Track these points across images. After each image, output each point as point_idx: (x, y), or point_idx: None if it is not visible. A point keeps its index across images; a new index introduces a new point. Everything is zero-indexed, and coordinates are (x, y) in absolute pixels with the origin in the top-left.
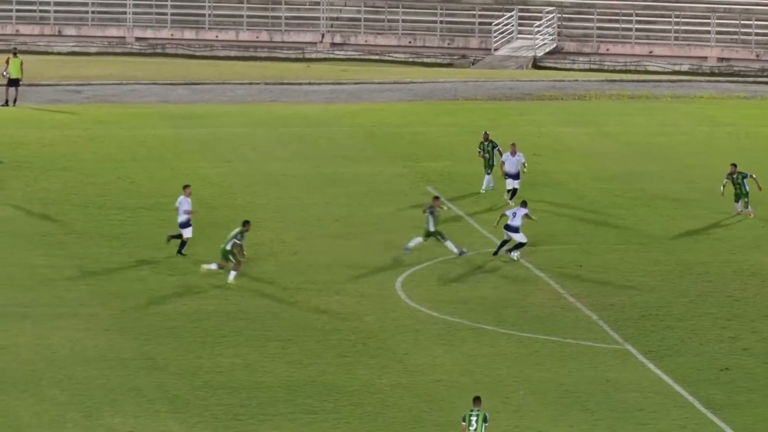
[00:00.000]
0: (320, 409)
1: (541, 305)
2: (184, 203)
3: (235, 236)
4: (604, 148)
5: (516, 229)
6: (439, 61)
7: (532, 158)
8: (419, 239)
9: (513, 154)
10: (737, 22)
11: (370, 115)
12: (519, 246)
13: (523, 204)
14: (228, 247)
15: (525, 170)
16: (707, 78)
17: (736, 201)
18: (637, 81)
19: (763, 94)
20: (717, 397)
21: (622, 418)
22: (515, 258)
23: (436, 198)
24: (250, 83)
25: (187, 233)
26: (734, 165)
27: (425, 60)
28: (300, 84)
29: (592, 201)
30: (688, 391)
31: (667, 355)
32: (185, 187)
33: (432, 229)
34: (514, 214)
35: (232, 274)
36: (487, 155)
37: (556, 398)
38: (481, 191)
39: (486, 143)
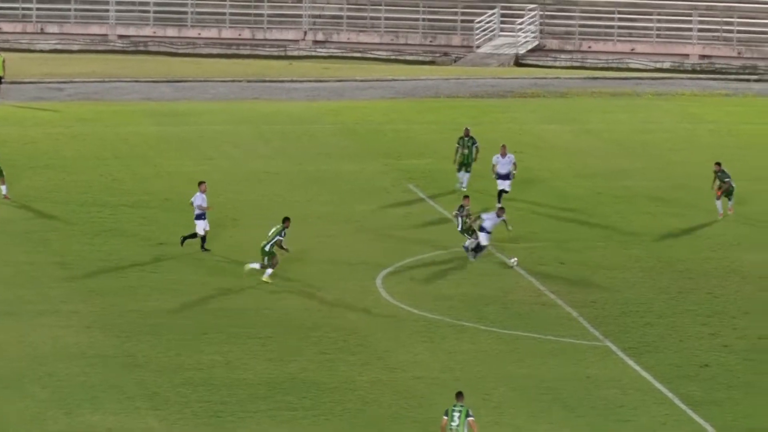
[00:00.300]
0: (300, 406)
1: (521, 302)
2: (198, 199)
3: (277, 234)
4: (586, 145)
5: (483, 229)
6: (421, 58)
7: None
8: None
9: (503, 155)
10: (719, 19)
11: (352, 112)
12: (479, 249)
13: (499, 212)
14: (267, 248)
15: (515, 171)
16: (689, 75)
17: (718, 199)
18: (619, 78)
19: (744, 91)
20: (697, 393)
21: (602, 415)
22: (512, 264)
23: (466, 197)
24: (233, 81)
25: (199, 228)
26: (719, 164)
27: (407, 57)
28: (282, 81)
29: (574, 198)
30: (667, 388)
31: (647, 351)
32: (200, 183)
33: (459, 229)
34: (487, 220)
35: (268, 272)
36: (466, 151)
37: (537, 395)
38: (462, 189)
39: (466, 139)
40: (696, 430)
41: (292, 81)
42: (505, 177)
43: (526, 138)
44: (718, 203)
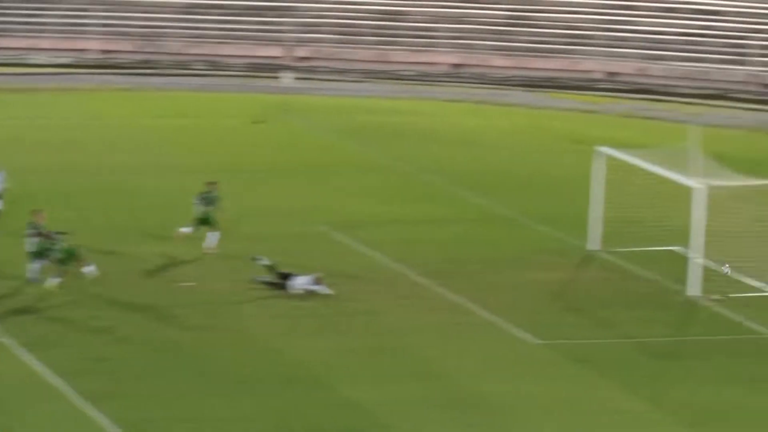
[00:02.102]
0: None
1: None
2: None
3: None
4: None
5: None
6: None
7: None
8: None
9: None
10: (119, 14)
11: None
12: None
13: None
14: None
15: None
16: (90, 70)
17: (199, 225)
18: (19, 74)
19: (144, 85)
20: (95, 387)
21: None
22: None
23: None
24: None
25: None
26: (213, 183)
27: None
28: None
29: None
30: (65, 383)
31: (44, 347)
32: None
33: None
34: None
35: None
36: None
37: None
38: None
39: None
40: (89, 423)
41: None
42: None
43: None
44: (189, 229)
